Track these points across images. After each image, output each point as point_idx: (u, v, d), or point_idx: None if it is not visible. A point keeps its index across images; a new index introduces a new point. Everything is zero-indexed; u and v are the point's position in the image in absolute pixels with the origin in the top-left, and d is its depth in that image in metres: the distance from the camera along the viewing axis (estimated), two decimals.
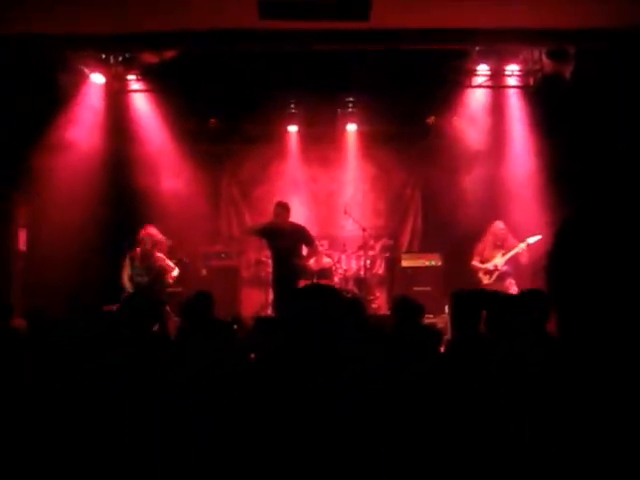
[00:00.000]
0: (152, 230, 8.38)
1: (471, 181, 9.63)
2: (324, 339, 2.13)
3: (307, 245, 8.80)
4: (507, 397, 2.02)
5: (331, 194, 11.18)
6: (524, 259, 8.44)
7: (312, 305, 2.21)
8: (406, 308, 4.81)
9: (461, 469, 2.02)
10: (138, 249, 8.29)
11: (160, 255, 8.44)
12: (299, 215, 9.48)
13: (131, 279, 8.25)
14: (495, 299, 4.10)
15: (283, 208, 8.63)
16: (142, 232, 8.31)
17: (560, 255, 1.39)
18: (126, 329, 4.00)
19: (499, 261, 8.57)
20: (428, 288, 9.61)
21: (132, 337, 3.93)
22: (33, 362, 3.39)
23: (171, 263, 8.54)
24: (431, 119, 10.21)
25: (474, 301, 4.38)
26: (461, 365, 3.36)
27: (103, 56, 8.80)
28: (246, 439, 1.93)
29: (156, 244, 8.38)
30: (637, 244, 1.32)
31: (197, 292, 5.23)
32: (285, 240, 8.48)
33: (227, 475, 1.92)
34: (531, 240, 8.32)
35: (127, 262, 8.29)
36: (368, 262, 9.81)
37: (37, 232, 8.70)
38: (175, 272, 8.58)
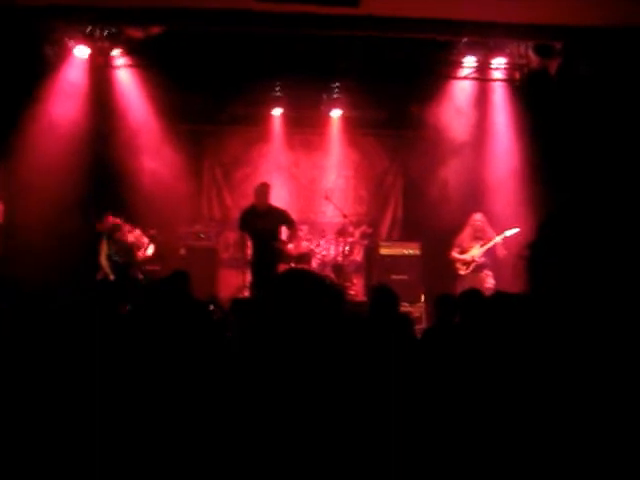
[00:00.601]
0: (111, 221, 8.31)
1: (453, 172, 9.66)
2: (301, 323, 2.14)
3: (287, 227, 8.80)
4: (481, 385, 2.05)
5: (313, 179, 11.15)
6: (501, 251, 8.50)
7: (291, 289, 2.21)
8: (383, 296, 4.84)
9: (429, 451, 2.05)
10: (104, 238, 8.26)
11: (137, 232, 8.40)
12: (280, 199, 9.48)
13: (108, 258, 8.21)
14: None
15: (264, 189, 8.65)
16: (102, 225, 8.25)
17: (542, 246, 1.41)
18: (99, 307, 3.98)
19: (476, 252, 8.63)
20: (405, 277, 9.66)
21: (104, 315, 3.91)
22: (4, 333, 3.37)
23: (146, 240, 8.52)
24: (416, 108, 10.22)
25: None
26: (435, 352, 3.39)
27: (88, 29, 8.68)
28: (220, 419, 1.94)
29: (119, 230, 8.32)
30: (619, 239, 1.34)
31: (174, 270, 5.22)
32: (265, 222, 8.49)
33: (199, 453, 1.93)
34: (508, 233, 8.37)
35: (104, 242, 8.25)
36: (347, 249, 9.83)
37: (15, 204, 8.58)
38: (150, 250, 8.56)
